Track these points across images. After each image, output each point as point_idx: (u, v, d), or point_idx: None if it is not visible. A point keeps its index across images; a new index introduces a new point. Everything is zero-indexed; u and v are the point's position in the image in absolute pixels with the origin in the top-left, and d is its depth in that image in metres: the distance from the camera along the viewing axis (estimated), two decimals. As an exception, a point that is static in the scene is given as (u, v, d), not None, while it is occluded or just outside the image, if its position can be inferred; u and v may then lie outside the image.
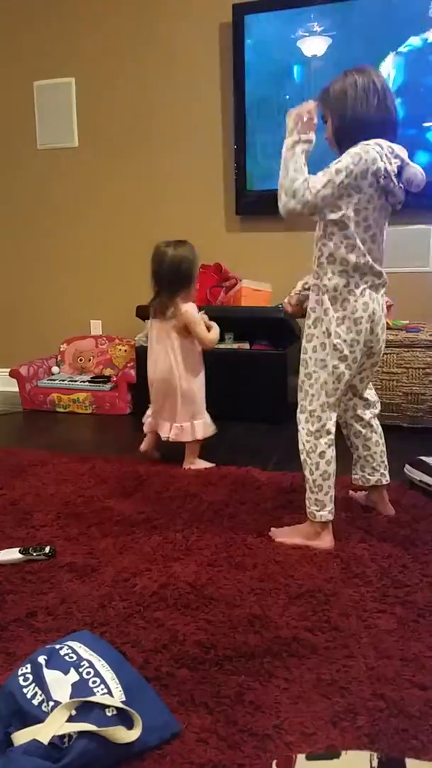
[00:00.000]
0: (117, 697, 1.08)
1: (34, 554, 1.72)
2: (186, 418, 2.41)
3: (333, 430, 1.76)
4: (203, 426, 2.43)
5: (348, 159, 1.59)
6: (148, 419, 2.53)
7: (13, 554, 1.72)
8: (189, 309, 2.36)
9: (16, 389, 3.59)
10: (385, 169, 1.59)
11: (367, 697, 1.17)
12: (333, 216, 1.62)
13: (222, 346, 3.32)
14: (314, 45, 3.18)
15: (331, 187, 1.58)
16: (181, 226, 3.65)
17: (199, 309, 3.29)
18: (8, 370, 3.60)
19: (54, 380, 3.61)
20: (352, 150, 1.60)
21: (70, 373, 3.75)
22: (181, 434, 2.41)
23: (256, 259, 3.48)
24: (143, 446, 2.56)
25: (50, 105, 3.76)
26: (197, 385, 2.43)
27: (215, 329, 2.44)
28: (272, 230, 3.43)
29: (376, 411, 1.93)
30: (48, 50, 3.72)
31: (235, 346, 3.31)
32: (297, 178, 1.59)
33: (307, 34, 3.17)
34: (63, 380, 3.60)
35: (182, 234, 3.60)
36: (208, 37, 3.43)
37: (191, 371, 2.40)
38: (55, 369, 3.77)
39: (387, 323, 2.85)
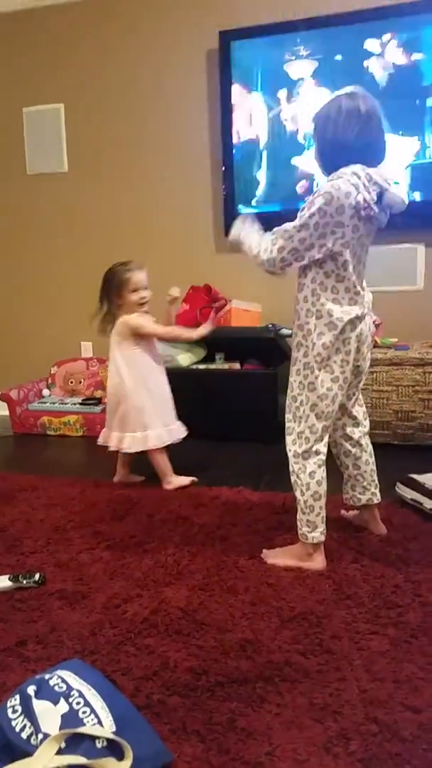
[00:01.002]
0: (107, 727, 1.07)
1: (24, 581, 1.70)
2: (133, 429, 2.42)
3: (323, 450, 1.76)
4: (151, 438, 2.42)
5: (319, 200, 1.60)
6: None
7: (2, 581, 1.70)
8: (127, 318, 2.41)
9: (7, 413, 3.58)
10: (364, 199, 1.60)
11: (360, 721, 1.17)
12: (319, 255, 1.64)
13: (213, 366, 3.34)
14: (300, 69, 3.23)
15: (304, 232, 1.62)
16: (170, 247, 3.68)
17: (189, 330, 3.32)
18: (-1, 393, 3.60)
19: (45, 403, 3.61)
20: (323, 188, 1.62)
21: (60, 396, 3.74)
22: (132, 445, 2.43)
23: (246, 279, 3.49)
24: (116, 477, 2.58)
25: (39, 131, 3.80)
26: (144, 396, 2.42)
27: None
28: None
29: (365, 429, 1.93)
30: (37, 77, 3.77)
31: (226, 365, 3.32)
32: (257, 251, 1.72)
33: (293, 58, 3.23)
34: (54, 403, 3.59)
35: (172, 255, 3.66)
36: (195, 62, 3.49)
37: (137, 382, 2.42)
38: (45, 392, 3.76)
39: (375, 341, 2.89)
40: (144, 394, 2.42)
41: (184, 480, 2.47)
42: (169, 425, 2.48)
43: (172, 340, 2.51)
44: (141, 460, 2.53)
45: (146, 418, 2.42)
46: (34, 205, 3.91)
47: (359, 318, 1.70)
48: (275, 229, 1.69)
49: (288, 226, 1.65)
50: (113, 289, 2.42)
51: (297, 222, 1.63)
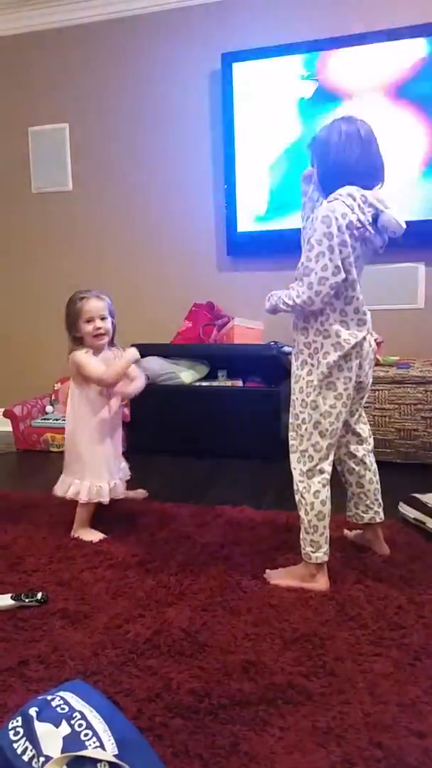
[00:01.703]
0: (109, 751, 1.06)
1: (26, 600, 1.70)
2: (70, 474, 2.23)
3: (328, 469, 1.75)
4: (84, 488, 2.17)
5: (321, 226, 1.62)
6: None
7: (5, 600, 1.70)
8: (75, 353, 2.18)
9: (10, 429, 3.58)
10: (358, 219, 1.63)
11: (363, 746, 1.16)
12: (344, 275, 1.65)
13: (215, 383, 3.35)
14: (301, 90, 3.28)
15: (323, 260, 1.62)
16: (174, 265, 3.71)
17: (192, 347, 3.35)
18: (2, 410, 3.60)
19: (48, 419, 3.61)
20: (321, 213, 1.64)
21: (64, 413, 3.73)
22: (60, 489, 2.23)
23: (248, 297, 3.52)
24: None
25: (45, 150, 3.85)
26: (85, 443, 2.21)
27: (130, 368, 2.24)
28: (263, 269, 3.49)
29: (369, 447, 1.93)
30: (43, 97, 3.83)
31: (228, 383, 3.33)
32: (292, 301, 1.69)
33: (294, 79, 3.27)
34: (57, 419, 3.59)
35: (175, 273, 3.69)
36: (198, 83, 3.54)
37: (79, 426, 2.22)
38: (49, 408, 3.77)
39: (377, 360, 2.90)
40: (89, 440, 2.20)
41: (93, 536, 2.16)
42: (105, 479, 2.20)
43: (113, 380, 2.18)
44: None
45: (87, 467, 2.20)
46: (38, 223, 3.94)
47: (363, 339, 1.72)
48: (295, 275, 1.70)
49: (304, 264, 1.66)
50: (70, 320, 2.21)
51: (311, 254, 1.64)
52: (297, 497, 1.77)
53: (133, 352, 2.22)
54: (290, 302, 1.69)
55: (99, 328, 2.18)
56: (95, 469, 2.20)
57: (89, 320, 2.18)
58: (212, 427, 3.20)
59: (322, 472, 1.74)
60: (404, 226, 1.67)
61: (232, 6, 3.42)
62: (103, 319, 2.19)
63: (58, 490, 2.24)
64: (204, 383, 3.34)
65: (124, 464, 2.36)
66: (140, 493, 2.56)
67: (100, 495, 2.18)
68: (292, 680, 1.35)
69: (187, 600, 1.71)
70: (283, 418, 3.11)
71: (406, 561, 1.89)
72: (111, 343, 2.28)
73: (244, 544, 2.06)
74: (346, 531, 2.08)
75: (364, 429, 1.92)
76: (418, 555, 1.93)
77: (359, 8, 3.20)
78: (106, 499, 2.19)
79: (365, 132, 1.68)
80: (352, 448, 1.90)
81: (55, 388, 3.83)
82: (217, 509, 2.37)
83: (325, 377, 1.70)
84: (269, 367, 3.25)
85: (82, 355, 2.17)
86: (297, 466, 1.77)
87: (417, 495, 2.19)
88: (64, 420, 3.50)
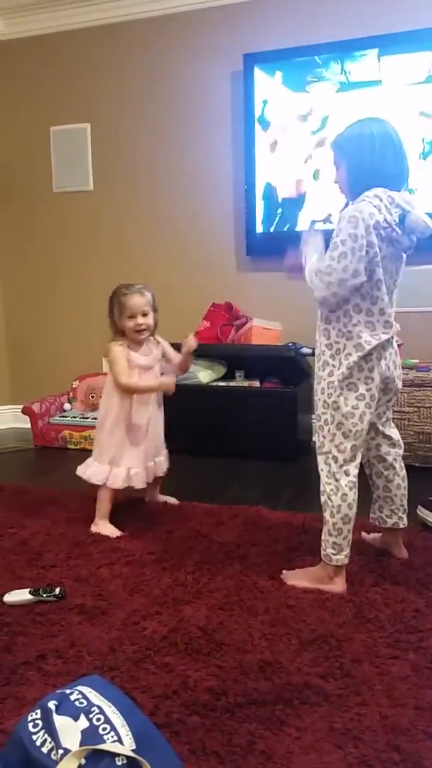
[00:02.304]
0: (127, 745, 1.06)
1: (44, 595, 1.71)
2: (96, 459, 2.27)
3: (354, 472, 1.73)
4: (92, 471, 2.24)
5: (348, 226, 1.61)
6: None
7: (23, 595, 1.72)
8: (110, 346, 2.24)
9: (29, 426, 3.62)
10: (385, 219, 1.62)
11: (381, 748, 1.15)
12: (365, 277, 1.65)
13: (232, 383, 3.35)
14: (322, 91, 3.27)
15: (344, 261, 1.62)
16: (193, 265, 3.72)
17: (210, 347, 3.35)
18: (21, 406, 3.64)
19: (66, 417, 3.64)
20: (348, 213, 1.63)
21: (82, 410, 3.77)
22: (92, 475, 2.25)
23: (267, 298, 3.52)
24: (147, 497, 2.49)
25: (66, 150, 3.88)
26: (104, 428, 2.25)
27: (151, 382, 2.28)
28: (282, 270, 3.47)
29: (400, 452, 1.90)
30: (65, 97, 3.86)
31: (246, 383, 3.33)
32: (313, 287, 1.70)
33: (315, 80, 3.27)
34: (75, 417, 3.62)
35: (194, 273, 3.70)
36: (219, 84, 3.55)
37: (109, 413, 2.25)
38: (67, 406, 3.79)
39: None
40: (114, 426, 2.23)
41: (110, 531, 2.19)
42: (133, 468, 2.24)
43: (131, 391, 2.23)
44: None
45: (110, 452, 2.23)
46: (59, 222, 3.97)
47: (388, 341, 1.72)
48: (318, 266, 1.69)
49: (327, 261, 1.65)
50: (113, 314, 2.25)
51: (334, 254, 1.63)
52: (323, 498, 1.75)
53: (170, 382, 2.27)
54: (310, 284, 1.71)
55: (140, 325, 2.23)
56: (111, 454, 2.23)
57: (131, 316, 2.22)
58: (229, 427, 3.20)
59: (348, 474, 1.72)
60: (431, 226, 1.65)
61: (255, 7, 3.42)
62: (144, 315, 2.24)
63: (79, 468, 2.29)
64: (221, 383, 3.35)
65: (157, 461, 2.35)
66: (170, 499, 2.51)
67: (116, 480, 2.20)
68: (308, 681, 1.35)
69: (204, 598, 1.71)
70: (300, 419, 3.11)
71: (423, 565, 1.88)
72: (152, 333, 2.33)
73: (261, 544, 2.06)
74: (363, 534, 2.06)
75: (394, 432, 1.90)
76: (436, 559, 1.92)
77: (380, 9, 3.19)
78: (118, 485, 2.20)
79: (396, 135, 1.67)
80: (383, 451, 1.88)
81: (73, 386, 3.85)
82: (233, 509, 2.37)
83: (345, 378, 1.70)
84: (287, 368, 3.25)
85: (118, 351, 2.22)
86: (324, 467, 1.75)
87: (435, 499, 2.18)
88: (81, 418, 3.57)
